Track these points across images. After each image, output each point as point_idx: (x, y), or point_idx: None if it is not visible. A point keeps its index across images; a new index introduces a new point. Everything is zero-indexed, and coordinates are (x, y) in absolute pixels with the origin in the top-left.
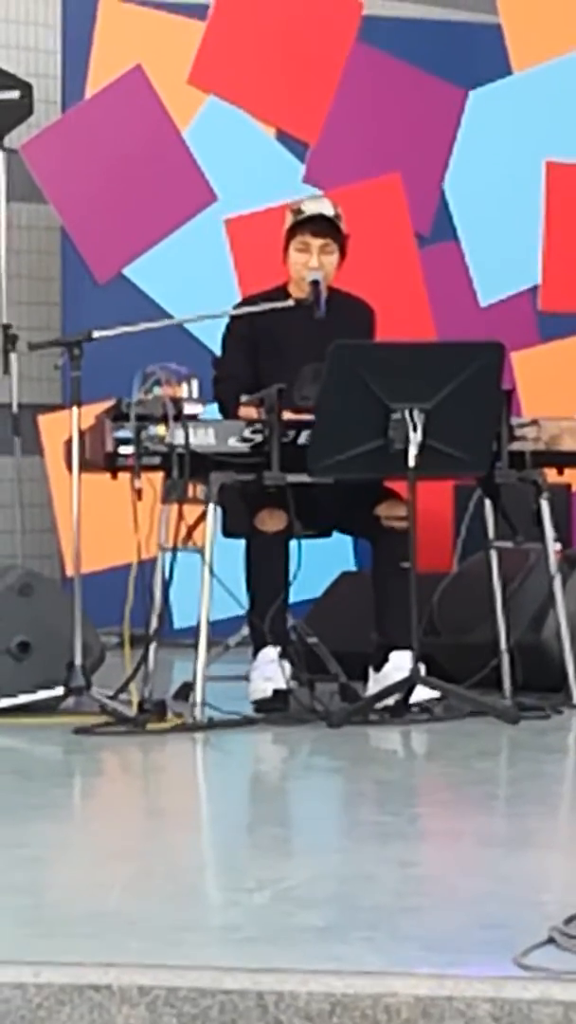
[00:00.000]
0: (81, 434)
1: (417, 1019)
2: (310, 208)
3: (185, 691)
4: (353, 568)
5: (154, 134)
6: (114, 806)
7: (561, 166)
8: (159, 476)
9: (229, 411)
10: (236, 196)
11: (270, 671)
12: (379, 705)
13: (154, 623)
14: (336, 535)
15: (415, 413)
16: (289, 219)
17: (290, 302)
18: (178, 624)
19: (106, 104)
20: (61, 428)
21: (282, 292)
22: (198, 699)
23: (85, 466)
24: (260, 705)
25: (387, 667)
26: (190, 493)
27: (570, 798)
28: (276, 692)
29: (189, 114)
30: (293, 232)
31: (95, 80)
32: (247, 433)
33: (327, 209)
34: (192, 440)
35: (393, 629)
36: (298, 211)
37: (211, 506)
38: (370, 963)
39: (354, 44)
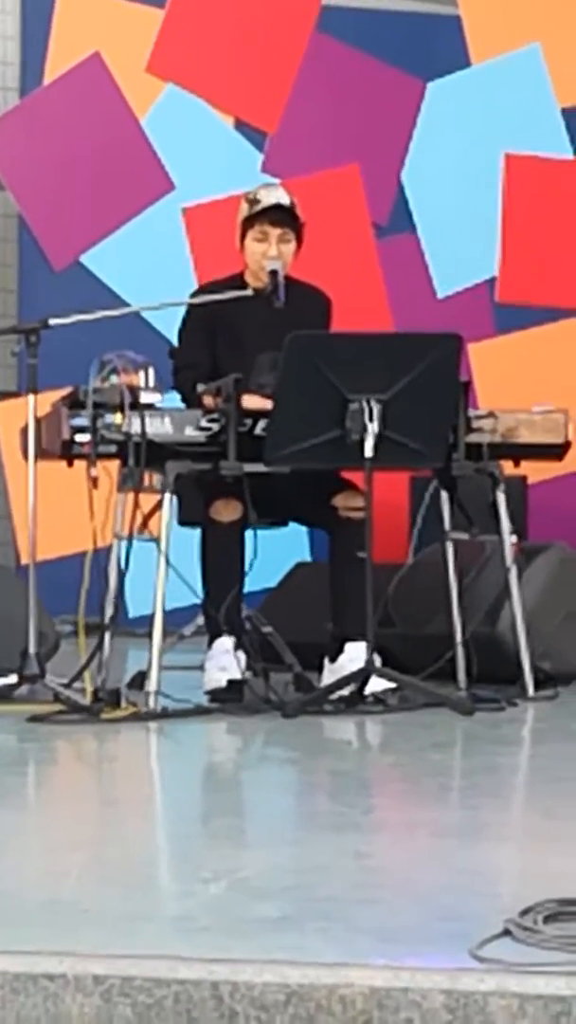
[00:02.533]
0: (37, 422)
1: (372, 1010)
2: (266, 198)
3: (139, 680)
4: (309, 558)
5: (112, 122)
6: (68, 795)
7: (519, 158)
8: (115, 464)
9: (191, 399)
10: (194, 185)
11: (225, 661)
12: (334, 696)
13: (109, 611)
14: (292, 525)
15: (372, 404)
16: (245, 209)
17: (249, 291)
18: (133, 613)
19: (64, 91)
20: (17, 415)
21: (238, 280)
22: (152, 688)
23: (41, 454)
24: (215, 695)
25: (342, 658)
26: (146, 482)
27: (524, 790)
28: (231, 682)
29: (147, 102)
30: (250, 222)
31: (53, 67)
32: (204, 422)
33: (283, 198)
34: (148, 429)
35: (348, 620)
36: (254, 200)
37: (167, 495)
38: (325, 954)
39: (313, 34)
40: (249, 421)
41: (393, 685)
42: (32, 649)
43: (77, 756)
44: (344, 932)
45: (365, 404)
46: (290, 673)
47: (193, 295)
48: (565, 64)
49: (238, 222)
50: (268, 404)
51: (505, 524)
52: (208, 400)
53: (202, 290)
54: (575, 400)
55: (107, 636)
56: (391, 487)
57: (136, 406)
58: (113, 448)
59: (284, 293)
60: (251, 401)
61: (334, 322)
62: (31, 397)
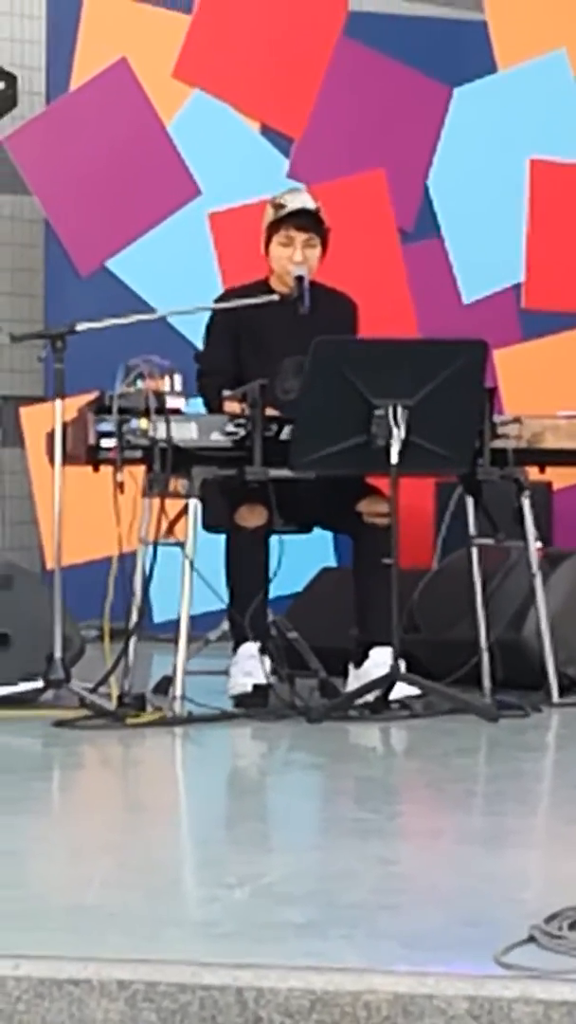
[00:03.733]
0: (63, 426)
1: (396, 1017)
2: (292, 202)
3: (165, 685)
4: (334, 564)
5: (139, 127)
6: (93, 800)
7: (545, 164)
8: (141, 469)
9: (213, 405)
10: (220, 190)
11: (250, 666)
12: (359, 701)
13: (134, 617)
14: (317, 531)
15: (398, 410)
16: (270, 213)
17: (275, 296)
18: (158, 618)
19: (91, 96)
20: (43, 420)
21: (263, 286)
22: (178, 693)
23: (67, 459)
24: (240, 700)
25: (367, 663)
26: (172, 487)
27: (549, 796)
28: (256, 687)
29: (174, 108)
30: (275, 227)
31: (80, 72)
32: (229, 428)
33: (309, 203)
34: (174, 434)
35: (374, 625)
36: (280, 205)
37: (193, 500)
38: (350, 960)
39: (340, 39)
40: (275, 426)
41: (418, 691)
42: (58, 654)
43: (102, 761)
44: (369, 938)
45: (391, 410)
46: (315, 678)
47: (218, 300)
48: None
49: (263, 227)
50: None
51: (530, 530)
52: (232, 406)
53: (227, 295)
54: None
55: (132, 641)
56: (416, 493)
57: (162, 411)
58: (139, 453)
59: (310, 298)
60: (272, 411)
61: (360, 327)
62: (57, 402)
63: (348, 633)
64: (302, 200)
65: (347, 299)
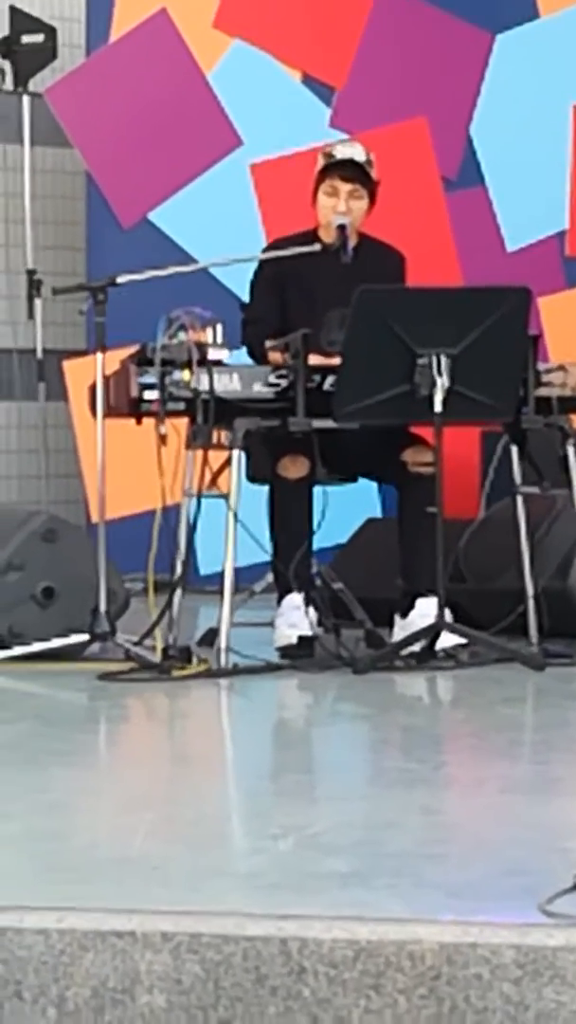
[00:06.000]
0: (106, 379)
1: (441, 966)
2: (341, 152)
3: (210, 637)
4: (379, 514)
5: (179, 78)
6: (138, 752)
7: None
8: (184, 422)
9: (258, 355)
10: (262, 140)
11: (295, 617)
12: (405, 652)
13: (179, 569)
14: (362, 481)
15: (441, 358)
16: (320, 162)
17: (317, 246)
18: (203, 570)
19: (131, 48)
20: (86, 373)
21: (311, 236)
22: (223, 645)
23: (110, 412)
24: (285, 651)
25: (413, 614)
26: (215, 439)
27: None
28: (301, 639)
29: (214, 58)
30: (323, 176)
31: (120, 24)
32: (272, 379)
33: (358, 154)
34: (217, 386)
35: (419, 575)
36: (329, 155)
37: (235, 452)
38: (394, 910)
39: None
40: (317, 377)
41: (464, 640)
42: (102, 607)
43: (148, 714)
44: (413, 888)
45: (434, 358)
46: (361, 629)
47: (265, 250)
48: None
49: (314, 176)
50: (332, 361)
51: None
52: (275, 356)
53: (274, 245)
54: None
55: (177, 594)
56: (461, 442)
57: (204, 363)
58: (181, 405)
59: (356, 250)
60: (315, 359)
61: (407, 280)
62: (99, 355)
63: (393, 583)
64: (351, 151)
65: (395, 252)
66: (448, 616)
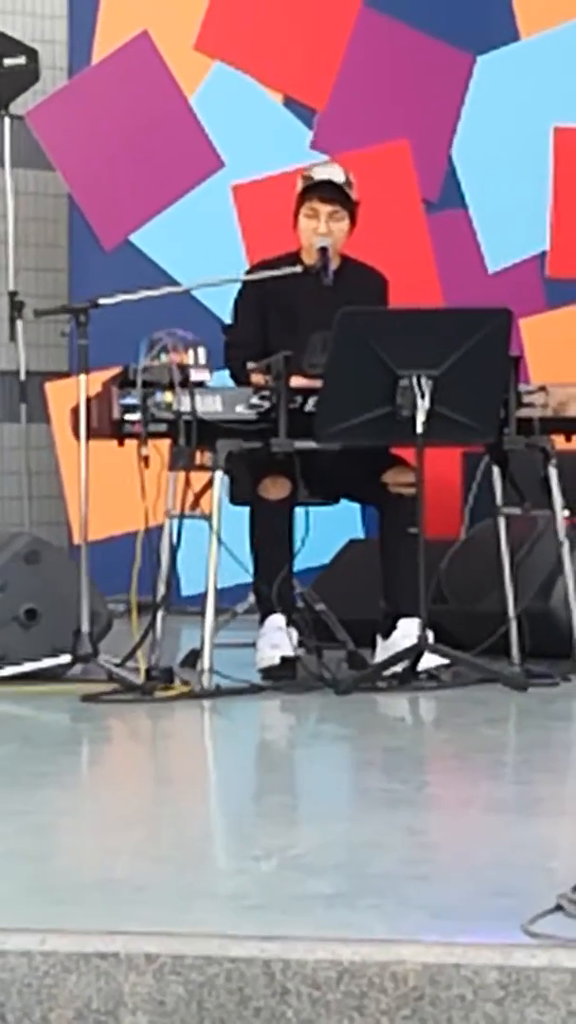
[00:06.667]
0: (88, 401)
1: (424, 986)
2: (319, 174)
3: (192, 658)
4: (361, 535)
5: (161, 100)
6: (121, 773)
7: (569, 131)
8: (166, 443)
9: (240, 378)
10: (243, 162)
11: (277, 638)
12: (387, 672)
13: (161, 590)
14: (344, 502)
15: (423, 380)
16: (300, 185)
17: (297, 268)
18: (185, 591)
19: (113, 70)
20: (68, 395)
21: (293, 258)
22: (205, 666)
23: (92, 433)
24: (267, 672)
25: (395, 634)
26: (197, 460)
27: None
28: (284, 659)
29: (196, 80)
30: (303, 198)
31: (101, 46)
32: (254, 400)
33: (337, 176)
34: (199, 407)
35: (401, 596)
36: (308, 177)
37: (218, 473)
38: (377, 931)
39: (361, 9)
40: (299, 398)
41: (446, 661)
42: (85, 628)
43: (130, 735)
44: (396, 908)
45: (416, 380)
46: (343, 650)
47: (247, 273)
48: None
49: (294, 198)
50: (314, 383)
51: (557, 499)
52: (257, 378)
53: (257, 267)
54: None
55: (160, 615)
56: (443, 463)
57: (186, 384)
58: (163, 427)
59: (338, 272)
60: (297, 380)
61: (389, 303)
62: (82, 377)
63: (375, 604)
64: (330, 172)
65: (378, 274)
66: (430, 637)
